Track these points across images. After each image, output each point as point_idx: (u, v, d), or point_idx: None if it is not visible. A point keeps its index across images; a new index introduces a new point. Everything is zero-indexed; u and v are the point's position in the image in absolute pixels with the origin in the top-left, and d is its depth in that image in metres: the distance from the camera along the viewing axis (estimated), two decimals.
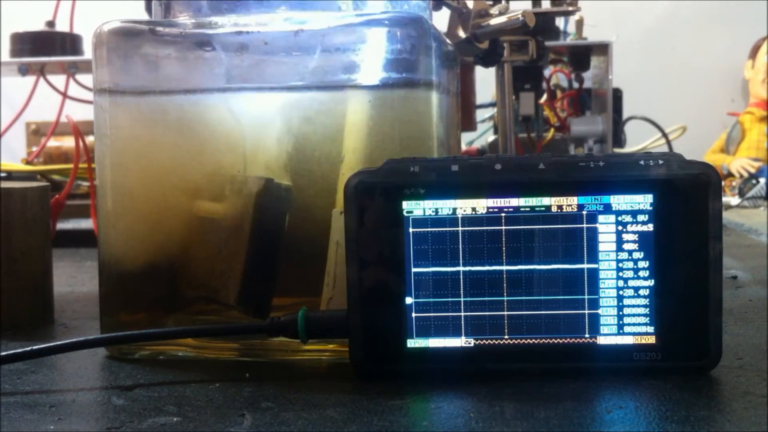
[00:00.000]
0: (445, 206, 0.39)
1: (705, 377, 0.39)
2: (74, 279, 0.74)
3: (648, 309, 0.39)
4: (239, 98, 0.45)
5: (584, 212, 0.39)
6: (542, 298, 0.39)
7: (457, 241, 0.39)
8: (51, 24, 1.23)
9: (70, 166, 0.83)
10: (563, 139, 1.23)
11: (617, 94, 1.29)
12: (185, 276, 0.46)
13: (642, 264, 0.39)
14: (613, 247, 0.39)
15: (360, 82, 0.44)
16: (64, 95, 1.23)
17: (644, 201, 0.39)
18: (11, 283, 0.53)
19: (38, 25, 1.22)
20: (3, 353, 0.41)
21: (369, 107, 0.44)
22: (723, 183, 0.81)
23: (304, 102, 0.45)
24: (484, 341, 0.40)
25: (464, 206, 0.39)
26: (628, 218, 0.39)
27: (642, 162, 0.39)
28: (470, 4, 0.60)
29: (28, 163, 1.14)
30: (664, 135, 1.48)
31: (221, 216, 0.45)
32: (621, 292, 0.39)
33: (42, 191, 0.55)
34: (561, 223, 0.39)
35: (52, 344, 0.42)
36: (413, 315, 0.40)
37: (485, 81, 1.16)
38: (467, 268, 0.39)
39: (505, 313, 0.40)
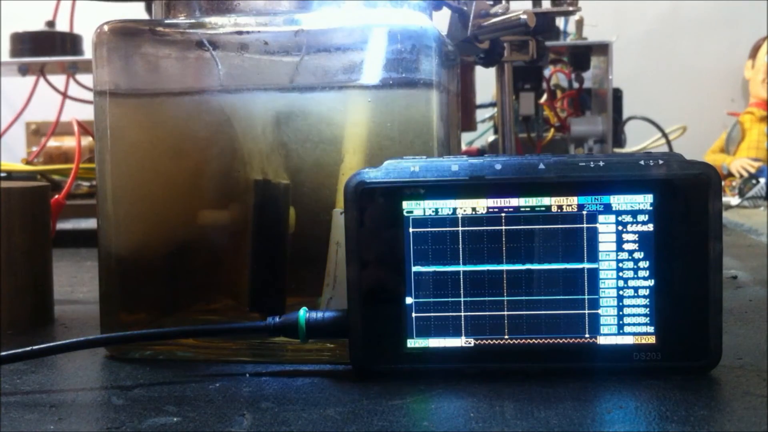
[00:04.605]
0: (445, 206, 0.39)
1: (705, 377, 0.39)
2: (74, 279, 0.74)
3: (648, 309, 0.39)
4: (239, 98, 0.45)
5: (584, 212, 0.39)
6: (542, 298, 0.39)
7: (457, 241, 0.39)
8: (51, 24, 1.23)
9: (70, 166, 0.83)
10: (563, 139, 1.23)
11: (617, 94, 1.29)
12: (199, 281, 0.46)
13: (642, 264, 0.39)
14: (613, 247, 0.39)
15: (360, 82, 0.44)
16: (64, 95, 1.23)
17: (644, 201, 0.39)
18: (11, 283, 0.53)
19: (38, 25, 1.22)
20: (3, 353, 0.41)
21: (369, 107, 0.44)
22: (723, 183, 0.81)
23: (305, 102, 0.45)
24: (484, 341, 0.40)
25: (464, 206, 0.39)
26: (628, 218, 0.39)
27: (642, 162, 0.39)
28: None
29: (28, 163, 1.14)
30: (664, 135, 1.48)
31: (226, 222, 0.46)
32: (621, 292, 0.39)
33: (42, 191, 0.55)
34: (561, 223, 0.39)
35: (52, 344, 0.42)
36: (413, 315, 0.40)
37: (485, 81, 1.16)
38: (467, 268, 0.39)
39: (505, 313, 0.40)
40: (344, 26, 0.44)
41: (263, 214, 0.45)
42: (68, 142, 1.20)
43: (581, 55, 1.19)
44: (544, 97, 1.25)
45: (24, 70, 1.19)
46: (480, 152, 1.27)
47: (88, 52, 1.22)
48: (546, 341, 0.40)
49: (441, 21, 0.58)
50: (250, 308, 0.45)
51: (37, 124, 1.31)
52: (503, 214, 0.39)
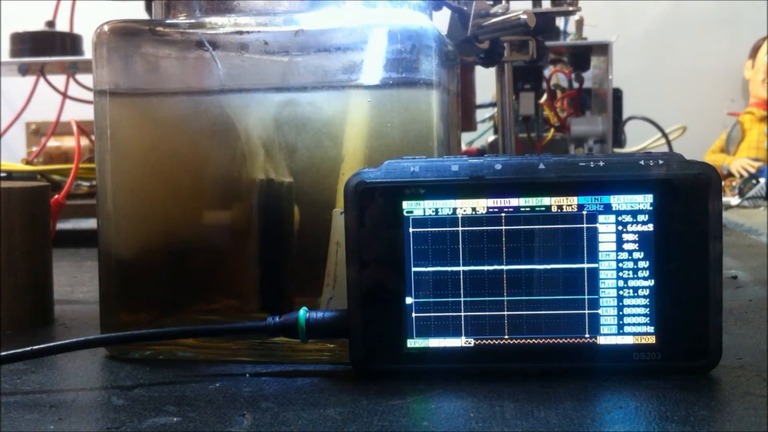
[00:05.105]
0: (445, 206, 0.39)
1: (705, 377, 0.39)
2: (74, 279, 0.74)
3: (648, 309, 0.39)
4: (239, 98, 0.45)
5: (584, 212, 0.39)
6: (542, 298, 0.39)
7: (457, 241, 0.39)
8: (51, 24, 1.23)
9: (70, 166, 0.83)
10: (563, 139, 1.23)
11: (617, 94, 1.28)
12: (199, 281, 0.46)
13: (642, 264, 0.39)
14: (613, 247, 0.39)
15: (360, 82, 0.44)
16: (64, 95, 1.23)
17: (644, 201, 0.39)
18: (11, 283, 0.53)
19: (38, 25, 1.22)
20: (3, 353, 0.41)
21: (369, 107, 0.44)
22: (723, 183, 0.81)
23: (304, 102, 0.45)
24: (484, 341, 0.40)
25: (464, 206, 0.39)
26: (628, 218, 0.39)
27: (642, 162, 0.39)
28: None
29: (28, 163, 1.14)
30: (664, 135, 1.48)
31: (227, 222, 0.46)
32: (621, 292, 0.39)
33: (42, 191, 0.55)
34: (561, 223, 0.39)
35: (52, 344, 0.42)
36: (413, 315, 0.40)
37: (485, 81, 1.16)
38: (467, 268, 0.39)
39: (505, 313, 0.40)
40: (344, 26, 0.44)
41: (271, 214, 0.45)
42: (68, 142, 1.20)
43: (581, 55, 1.18)
44: (544, 97, 1.25)
45: (24, 70, 1.19)
46: (480, 152, 1.27)
47: (88, 52, 1.22)
48: (546, 341, 0.40)
49: (441, 21, 0.58)
50: (261, 308, 0.45)
51: (37, 124, 1.31)
52: (503, 214, 0.39)
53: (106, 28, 0.45)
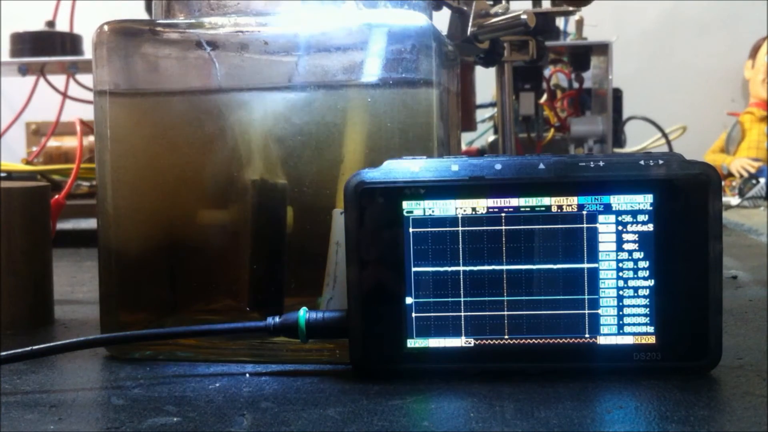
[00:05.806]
0: (445, 206, 0.39)
1: (705, 377, 0.39)
2: (74, 279, 0.74)
3: (648, 309, 0.39)
4: (239, 98, 0.45)
5: (584, 212, 0.39)
6: (542, 298, 0.39)
7: (457, 241, 0.39)
8: (51, 24, 1.23)
9: (71, 166, 0.83)
10: (563, 139, 1.23)
11: (617, 94, 1.29)
12: (199, 281, 0.46)
13: (642, 264, 0.39)
14: (613, 247, 0.39)
15: (360, 82, 0.44)
16: (64, 95, 1.23)
17: (644, 201, 0.39)
18: (11, 283, 0.53)
19: (38, 25, 1.22)
20: (3, 353, 0.41)
21: (369, 107, 0.44)
22: (723, 183, 0.81)
23: (304, 102, 0.45)
24: (484, 341, 0.40)
25: (464, 206, 0.39)
26: (628, 218, 0.39)
27: (642, 162, 0.39)
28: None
29: (28, 163, 1.14)
30: (664, 135, 1.48)
31: (226, 222, 0.46)
32: (621, 292, 0.39)
33: (42, 191, 0.55)
34: (561, 223, 0.39)
35: (52, 344, 0.42)
36: (413, 315, 0.40)
37: (485, 81, 1.16)
38: (467, 268, 0.39)
39: (505, 313, 0.40)
40: (344, 26, 0.44)
41: (261, 214, 0.45)
42: (68, 142, 1.20)
43: (581, 55, 1.19)
44: (544, 97, 1.25)
45: (24, 70, 1.19)
46: (480, 152, 1.27)
47: (88, 52, 1.22)
48: (546, 341, 0.40)
49: (441, 21, 0.58)
50: (249, 308, 0.45)
51: (37, 124, 1.31)
52: (503, 214, 0.39)
53: (106, 28, 0.45)
